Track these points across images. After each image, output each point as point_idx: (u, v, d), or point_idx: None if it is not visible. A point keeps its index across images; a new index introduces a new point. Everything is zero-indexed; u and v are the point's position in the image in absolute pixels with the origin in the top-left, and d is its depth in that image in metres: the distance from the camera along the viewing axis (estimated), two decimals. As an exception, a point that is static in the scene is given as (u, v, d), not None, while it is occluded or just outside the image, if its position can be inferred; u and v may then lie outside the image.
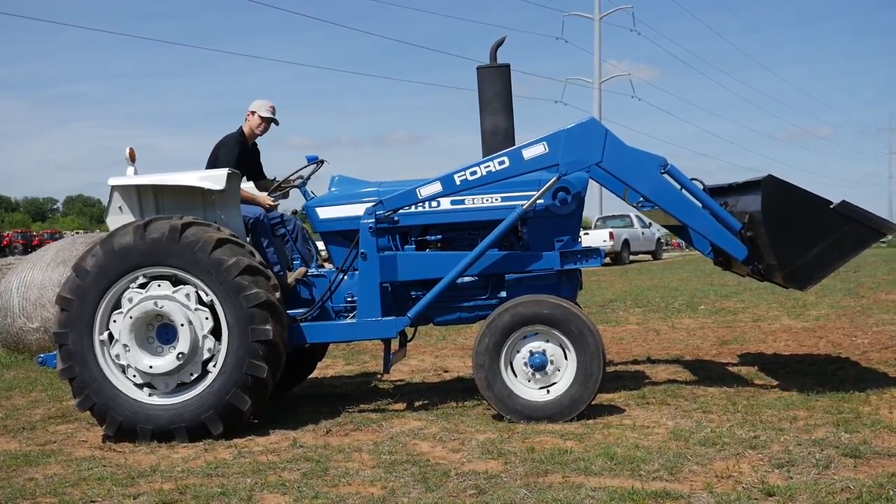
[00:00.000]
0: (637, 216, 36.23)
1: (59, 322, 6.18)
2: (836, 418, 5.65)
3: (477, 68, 7.05)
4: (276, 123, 7.26)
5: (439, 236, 6.90)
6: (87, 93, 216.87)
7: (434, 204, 6.70)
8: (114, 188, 6.48)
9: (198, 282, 6.11)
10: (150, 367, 6.08)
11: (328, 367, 8.90)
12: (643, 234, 35.82)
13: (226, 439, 5.93)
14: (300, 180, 7.07)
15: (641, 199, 6.80)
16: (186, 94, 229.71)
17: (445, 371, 8.50)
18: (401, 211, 6.63)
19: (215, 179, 6.32)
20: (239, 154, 7.03)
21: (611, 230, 33.00)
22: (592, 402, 6.03)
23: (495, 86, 7.01)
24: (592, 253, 6.78)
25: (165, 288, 6.13)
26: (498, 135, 6.99)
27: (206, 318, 6.09)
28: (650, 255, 36.92)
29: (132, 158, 6.57)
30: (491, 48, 7.04)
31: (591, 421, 5.92)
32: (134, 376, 6.13)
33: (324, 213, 6.91)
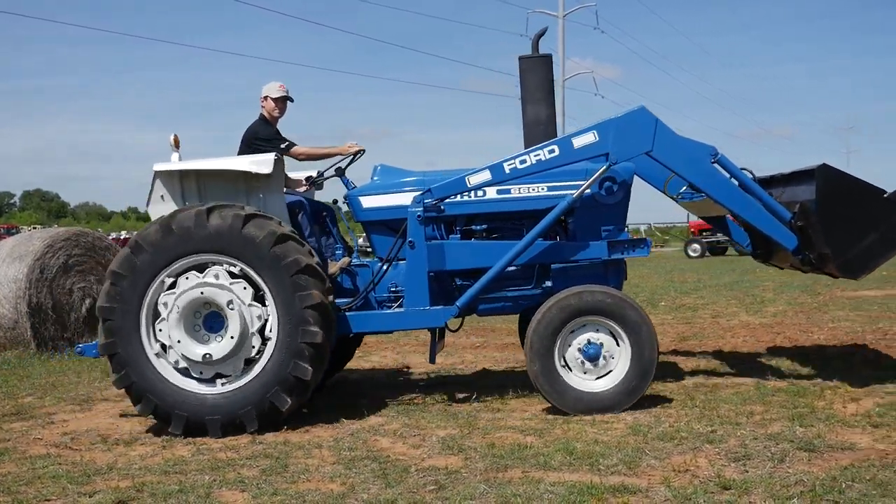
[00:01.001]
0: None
1: (106, 296, 6.06)
2: (791, 413, 5.73)
3: (519, 58, 7.05)
4: (291, 100, 7.22)
5: (484, 226, 6.89)
6: (44, 87, 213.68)
7: (479, 193, 6.69)
8: (156, 175, 6.44)
9: (255, 275, 6.07)
10: (206, 354, 6.00)
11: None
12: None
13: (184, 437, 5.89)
14: (338, 169, 7.03)
15: (684, 189, 6.86)
16: (147, 89, 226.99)
17: (407, 368, 8.50)
18: (447, 200, 6.61)
19: (263, 164, 6.32)
20: (276, 133, 7.05)
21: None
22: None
23: (537, 76, 7.02)
24: (640, 243, 6.80)
25: (222, 277, 6.09)
26: (540, 124, 7.00)
27: (258, 316, 6.06)
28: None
29: (176, 145, 6.54)
30: (533, 39, 7.09)
31: (550, 416, 5.97)
32: (175, 361, 6.09)
33: (367, 202, 6.89)
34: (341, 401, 6.91)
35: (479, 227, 6.88)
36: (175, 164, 6.46)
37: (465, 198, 6.69)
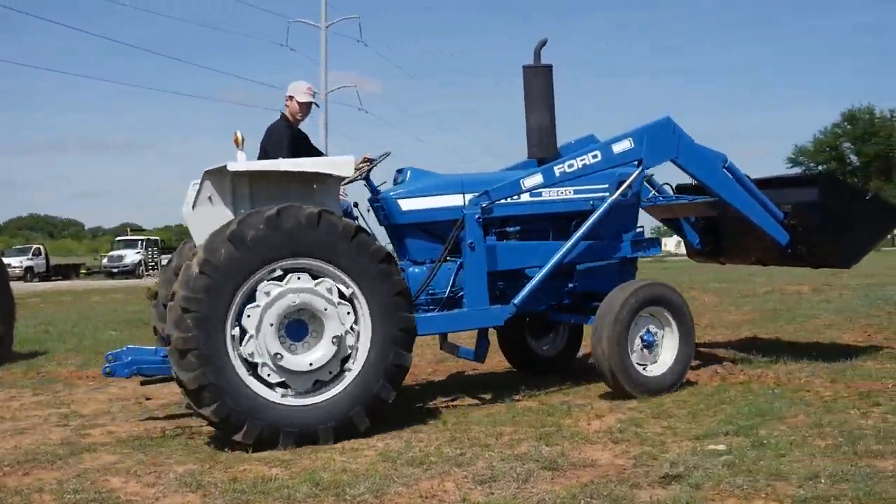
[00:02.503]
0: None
1: (195, 285, 5.74)
2: (539, 432, 6.02)
3: (523, 67, 7.58)
4: (317, 106, 7.41)
5: (517, 227, 7.43)
6: None
7: (514, 196, 7.22)
8: (206, 175, 6.40)
9: (338, 273, 6.09)
10: (311, 363, 6.02)
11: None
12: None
13: None
14: (364, 171, 7.17)
15: (651, 194, 8.21)
16: None
17: (147, 399, 8.15)
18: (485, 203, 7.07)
19: (344, 166, 6.40)
20: (290, 140, 7.19)
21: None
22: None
23: (540, 85, 7.57)
24: (654, 242, 7.99)
25: (305, 281, 6.06)
26: (543, 131, 7.54)
27: (348, 313, 6.11)
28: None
29: (240, 143, 6.45)
30: (535, 48, 7.57)
31: (299, 447, 5.92)
32: (269, 375, 5.97)
33: (407, 204, 7.17)
34: (71, 438, 6.51)
35: (512, 229, 7.45)
36: (253, 163, 6.48)
37: (504, 201, 7.22)
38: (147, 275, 47.80)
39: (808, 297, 15.44)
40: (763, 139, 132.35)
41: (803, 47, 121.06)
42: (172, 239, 62.05)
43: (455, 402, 7.33)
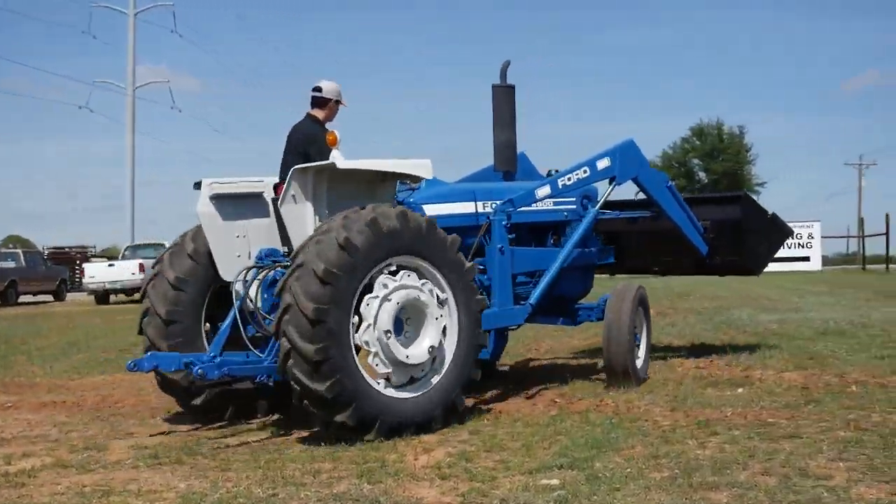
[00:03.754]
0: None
1: (321, 296, 6.52)
2: (360, 468, 6.02)
3: (493, 86, 9.09)
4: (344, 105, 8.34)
5: (513, 235, 8.61)
6: None
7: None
8: (293, 173, 7.32)
9: (440, 278, 7.26)
10: (407, 357, 7.01)
11: None
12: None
13: None
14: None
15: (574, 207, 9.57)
16: None
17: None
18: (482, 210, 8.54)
19: (424, 168, 7.58)
20: None
21: (141, 261, 32.26)
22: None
23: (508, 104, 9.09)
24: (609, 251, 9.98)
25: (414, 279, 7.12)
26: (509, 148, 9.03)
27: (442, 316, 7.21)
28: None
29: (337, 143, 7.47)
30: (501, 70, 9.11)
31: (88, 488, 5.72)
32: (377, 365, 6.94)
33: (430, 209, 8.15)
34: None
35: (511, 236, 8.53)
36: (350, 162, 7.35)
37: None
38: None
39: (653, 320, 16.05)
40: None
41: (651, 57, 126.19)
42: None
43: (271, 437, 7.24)
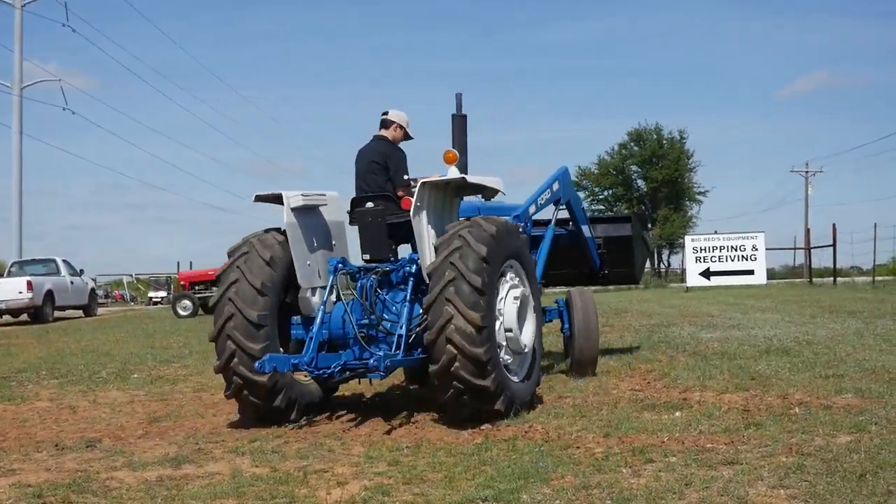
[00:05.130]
0: (65, 261, 35.43)
1: (477, 306, 8.23)
2: (267, 505, 5.98)
3: (452, 115, 10.98)
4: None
5: None
6: None
7: None
8: (422, 186, 9.05)
9: (525, 276, 9.35)
10: (524, 346, 9.08)
11: None
12: (73, 283, 35.05)
13: None
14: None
15: None
16: None
17: None
18: None
19: (501, 184, 9.54)
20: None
21: (29, 279, 31.73)
22: None
23: (461, 131, 10.94)
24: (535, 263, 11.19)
25: (516, 278, 9.23)
26: (463, 171, 10.13)
27: (534, 309, 9.49)
28: (82, 311, 36.20)
29: (456, 160, 9.38)
30: (457, 100, 11.02)
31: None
32: (506, 356, 8.83)
33: None
34: None
35: None
36: (476, 177, 9.38)
37: None
38: None
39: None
40: (538, 159, 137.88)
41: (590, 57, 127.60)
42: None
43: (171, 470, 7.15)
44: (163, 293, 53.62)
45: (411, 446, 7.68)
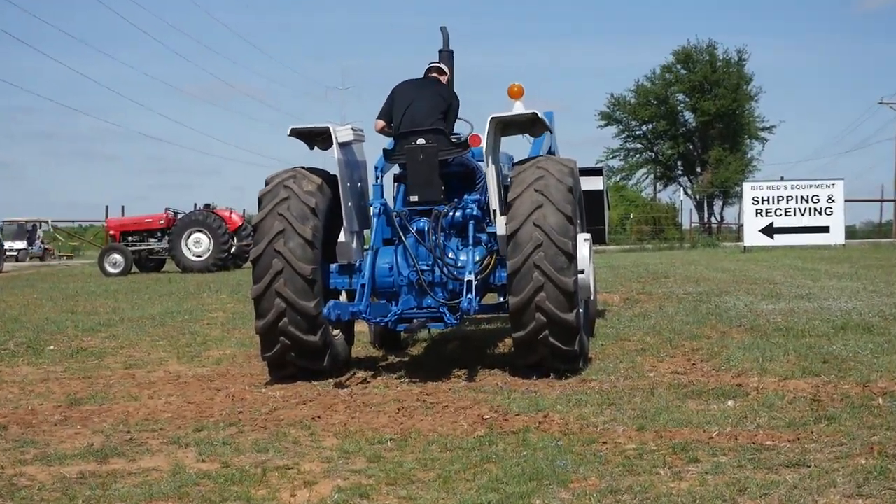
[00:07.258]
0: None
1: (566, 244, 9.78)
2: (218, 508, 6.02)
3: (439, 51, 12.32)
4: None
5: None
6: None
7: None
8: (493, 122, 10.37)
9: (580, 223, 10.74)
10: (593, 290, 11.65)
11: None
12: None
13: None
14: None
15: None
16: None
17: None
18: None
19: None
20: None
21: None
22: None
23: (450, 68, 12.04)
24: None
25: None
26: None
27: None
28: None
29: (521, 94, 11.36)
30: (443, 35, 12.48)
31: None
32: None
33: None
34: None
35: None
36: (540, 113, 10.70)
37: None
38: None
39: (617, 310, 16.17)
40: (560, 87, 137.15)
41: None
42: None
43: (93, 466, 7.17)
44: (21, 244, 52.61)
45: (396, 438, 7.72)
